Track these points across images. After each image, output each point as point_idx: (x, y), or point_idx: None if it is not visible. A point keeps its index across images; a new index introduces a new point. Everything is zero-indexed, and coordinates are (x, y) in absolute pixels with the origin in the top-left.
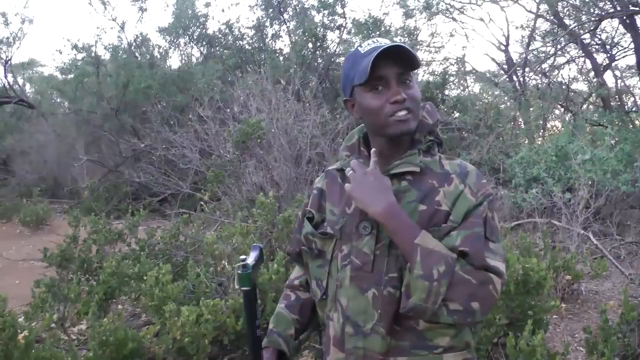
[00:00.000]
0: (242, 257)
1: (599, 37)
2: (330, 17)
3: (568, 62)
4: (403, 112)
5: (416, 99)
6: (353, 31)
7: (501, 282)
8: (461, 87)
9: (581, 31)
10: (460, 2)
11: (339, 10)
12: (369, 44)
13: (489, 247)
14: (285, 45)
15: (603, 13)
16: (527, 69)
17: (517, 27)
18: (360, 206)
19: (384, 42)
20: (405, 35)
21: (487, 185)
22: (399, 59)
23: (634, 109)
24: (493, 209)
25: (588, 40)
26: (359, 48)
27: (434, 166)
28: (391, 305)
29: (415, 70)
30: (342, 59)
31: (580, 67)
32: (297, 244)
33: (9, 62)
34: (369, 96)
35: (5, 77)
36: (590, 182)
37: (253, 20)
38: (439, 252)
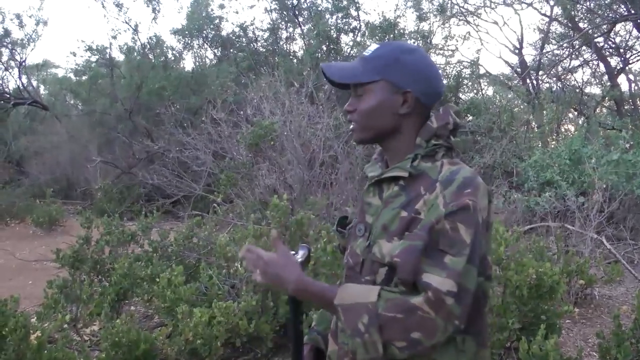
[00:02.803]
0: (292, 252)
1: (612, 40)
2: (344, 20)
3: (582, 65)
4: (351, 124)
5: (362, 112)
6: (367, 34)
7: (427, 299)
8: (475, 90)
9: (595, 34)
10: (474, 5)
11: (353, 13)
12: (322, 66)
13: (442, 261)
14: (299, 47)
15: (617, 16)
16: (540, 72)
17: (533, 29)
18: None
19: (369, 50)
20: (419, 39)
21: (468, 196)
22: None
23: None
24: (458, 221)
25: (602, 44)
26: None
27: (432, 172)
28: None
29: (369, 83)
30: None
31: (593, 70)
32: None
33: (23, 63)
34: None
35: (20, 78)
36: (604, 186)
37: (267, 23)
38: (357, 304)
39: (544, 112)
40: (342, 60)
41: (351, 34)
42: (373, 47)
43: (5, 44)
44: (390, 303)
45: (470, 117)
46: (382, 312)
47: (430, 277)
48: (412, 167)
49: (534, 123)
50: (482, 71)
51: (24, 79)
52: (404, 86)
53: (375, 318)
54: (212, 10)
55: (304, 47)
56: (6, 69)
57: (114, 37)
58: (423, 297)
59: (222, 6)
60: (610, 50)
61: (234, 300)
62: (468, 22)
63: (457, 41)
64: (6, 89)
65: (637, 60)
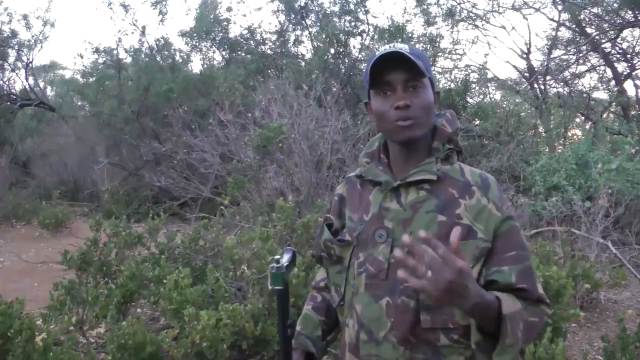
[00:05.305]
0: (276, 257)
1: (620, 46)
2: (352, 23)
3: (589, 70)
4: (406, 120)
5: (423, 107)
6: (375, 37)
7: (548, 307)
8: (482, 95)
9: (602, 40)
10: (482, 9)
11: (361, 16)
12: (385, 49)
13: (533, 270)
14: (307, 50)
15: (624, 22)
16: (548, 77)
17: (539, 35)
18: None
19: (399, 47)
20: (427, 43)
21: (507, 199)
22: (405, 65)
23: None
24: (516, 224)
25: (609, 49)
26: (376, 52)
27: (455, 174)
28: (404, 314)
29: (426, 77)
30: (364, 64)
31: (601, 75)
32: (318, 248)
33: (30, 64)
34: (378, 100)
35: (27, 79)
36: (610, 191)
37: (275, 25)
38: (516, 313)
39: (551, 116)
40: (349, 63)
41: (359, 37)
42: (401, 45)
43: (12, 45)
44: (530, 309)
45: (478, 121)
46: (528, 319)
47: (540, 287)
48: (438, 169)
49: (541, 128)
50: (490, 75)
51: (31, 80)
52: (434, 87)
53: (525, 325)
54: (220, 12)
55: (311, 50)
56: (13, 70)
57: (121, 39)
58: (547, 307)
59: (229, 9)
60: (618, 55)
61: (241, 303)
62: (476, 27)
63: (465, 45)
64: (13, 90)
65: None
